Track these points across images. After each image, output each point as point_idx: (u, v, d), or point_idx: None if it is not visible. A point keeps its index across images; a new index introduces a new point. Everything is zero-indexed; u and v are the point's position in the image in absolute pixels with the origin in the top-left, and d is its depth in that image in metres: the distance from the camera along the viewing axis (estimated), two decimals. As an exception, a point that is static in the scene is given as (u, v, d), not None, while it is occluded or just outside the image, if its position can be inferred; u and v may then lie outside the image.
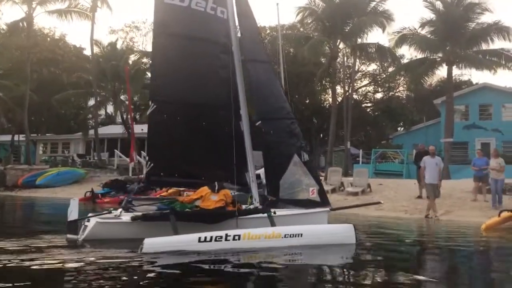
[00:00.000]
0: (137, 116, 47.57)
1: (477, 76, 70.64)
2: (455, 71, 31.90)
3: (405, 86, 40.50)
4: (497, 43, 26.26)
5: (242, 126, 9.78)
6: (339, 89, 38.14)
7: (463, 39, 26.08)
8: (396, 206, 15.74)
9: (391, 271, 7.23)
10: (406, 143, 33.96)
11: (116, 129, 37.15)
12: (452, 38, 26.15)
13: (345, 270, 7.36)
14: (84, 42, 65.57)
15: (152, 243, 7.52)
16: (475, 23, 26.33)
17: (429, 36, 27.30)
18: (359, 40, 29.53)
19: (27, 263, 6.72)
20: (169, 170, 9.53)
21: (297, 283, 6.61)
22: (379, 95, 43.95)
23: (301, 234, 8.24)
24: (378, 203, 12.50)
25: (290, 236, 8.17)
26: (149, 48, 45.24)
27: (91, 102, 36.89)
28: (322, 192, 9.86)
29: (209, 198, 8.91)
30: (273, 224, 8.64)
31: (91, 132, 35.42)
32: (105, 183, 21.73)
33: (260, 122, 9.77)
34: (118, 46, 37.40)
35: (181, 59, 9.74)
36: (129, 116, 30.52)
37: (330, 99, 34.81)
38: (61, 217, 15.57)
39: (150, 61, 11.48)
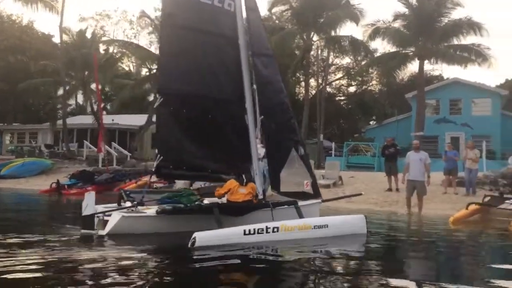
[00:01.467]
0: (108, 106, 46.70)
1: (448, 72, 72.21)
2: (427, 66, 32.30)
3: (377, 80, 40.80)
4: (468, 39, 26.64)
5: (247, 120, 9.86)
6: (313, 82, 38.19)
7: (436, 34, 26.35)
8: (366, 198, 15.71)
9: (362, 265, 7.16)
10: (378, 136, 34.20)
11: (86, 120, 36.30)
12: (425, 32, 26.39)
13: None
14: (53, 29, 63.72)
15: (204, 237, 7.43)
16: (447, 18, 26.64)
17: (402, 30, 27.48)
18: (332, 33, 29.52)
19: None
20: (177, 163, 9.58)
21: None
22: (352, 89, 44.28)
23: (327, 225, 8.69)
24: (360, 194, 12.70)
25: (318, 228, 8.58)
26: (120, 37, 44.39)
27: (62, 91, 35.93)
28: (314, 185, 10.07)
29: (237, 191, 9.02)
30: (301, 216, 8.90)
31: (60, 122, 34.49)
32: (72, 174, 21.06)
33: (263, 116, 9.85)
34: (88, 34, 36.37)
35: (189, 52, 9.75)
36: (98, 106, 29.77)
37: (304, 92, 34.78)
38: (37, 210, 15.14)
39: (158, 53, 11.48)
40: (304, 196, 9.86)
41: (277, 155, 9.98)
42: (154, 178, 19.07)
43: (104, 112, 45.29)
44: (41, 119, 40.74)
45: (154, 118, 32.55)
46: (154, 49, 33.49)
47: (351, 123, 42.42)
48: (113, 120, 34.52)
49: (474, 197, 13.98)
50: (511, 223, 10.11)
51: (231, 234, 7.81)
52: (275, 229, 8.07)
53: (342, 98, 44.41)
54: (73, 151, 32.54)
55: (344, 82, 43.70)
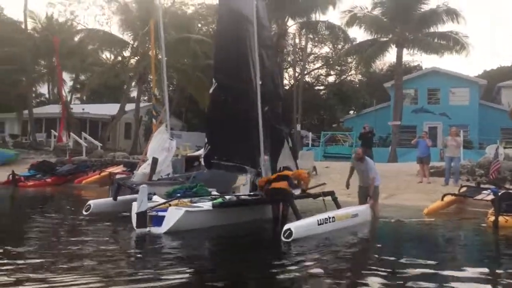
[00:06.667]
0: (85, 97, 45.13)
1: (427, 63, 71.96)
2: (406, 57, 31.74)
3: (356, 69, 40.26)
4: (446, 26, 26.05)
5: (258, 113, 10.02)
6: (291, 72, 37.43)
7: (413, 21, 25.73)
8: (340, 189, 15.03)
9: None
10: (356, 126, 33.62)
11: (55, 109, 34.89)
12: (402, 19, 25.76)
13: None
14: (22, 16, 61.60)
15: (298, 228, 7.72)
16: (426, 5, 26.04)
17: (380, 17, 26.83)
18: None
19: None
20: (221, 154, 9.67)
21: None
22: (331, 79, 43.69)
23: (357, 214, 9.58)
24: (323, 184, 12.52)
25: (354, 216, 9.47)
26: (90, 23, 42.72)
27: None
28: None
29: (307, 182, 9.81)
30: (338, 206, 9.71)
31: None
32: (31, 165, 19.86)
33: (267, 107, 10.15)
34: (59, 19, 34.85)
35: (237, 40, 9.87)
36: (62, 93, 28.52)
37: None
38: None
39: (215, 36, 11.91)
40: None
41: (275, 145, 10.43)
42: (117, 170, 18.32)
43: (78, 101, 44.02)
44: (11, 108, 39.13)
45: (125, 108, 31.60)
46: (127, 36, 32.12)
47: (330, 113, 41.86)
48: (83, 109, 33.28)
49: (451, 188, 13.43)
50: (488, 216, 9.48)
51: (311, 224, 8.21)
52: (333, 219, 8.72)
53: (321, 88, 43.81)
54: (41, 141, 31.20)
55: (322, 71, 43.08)
